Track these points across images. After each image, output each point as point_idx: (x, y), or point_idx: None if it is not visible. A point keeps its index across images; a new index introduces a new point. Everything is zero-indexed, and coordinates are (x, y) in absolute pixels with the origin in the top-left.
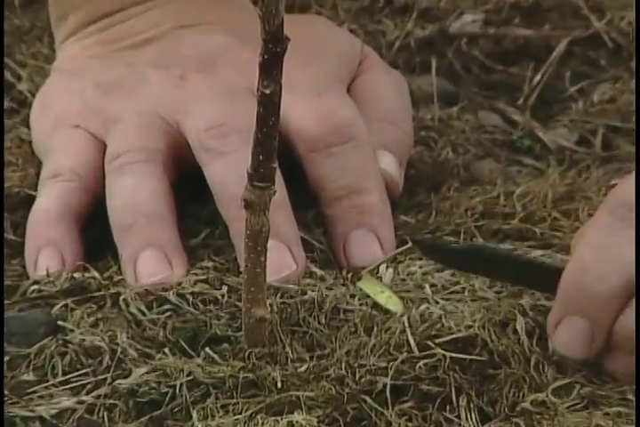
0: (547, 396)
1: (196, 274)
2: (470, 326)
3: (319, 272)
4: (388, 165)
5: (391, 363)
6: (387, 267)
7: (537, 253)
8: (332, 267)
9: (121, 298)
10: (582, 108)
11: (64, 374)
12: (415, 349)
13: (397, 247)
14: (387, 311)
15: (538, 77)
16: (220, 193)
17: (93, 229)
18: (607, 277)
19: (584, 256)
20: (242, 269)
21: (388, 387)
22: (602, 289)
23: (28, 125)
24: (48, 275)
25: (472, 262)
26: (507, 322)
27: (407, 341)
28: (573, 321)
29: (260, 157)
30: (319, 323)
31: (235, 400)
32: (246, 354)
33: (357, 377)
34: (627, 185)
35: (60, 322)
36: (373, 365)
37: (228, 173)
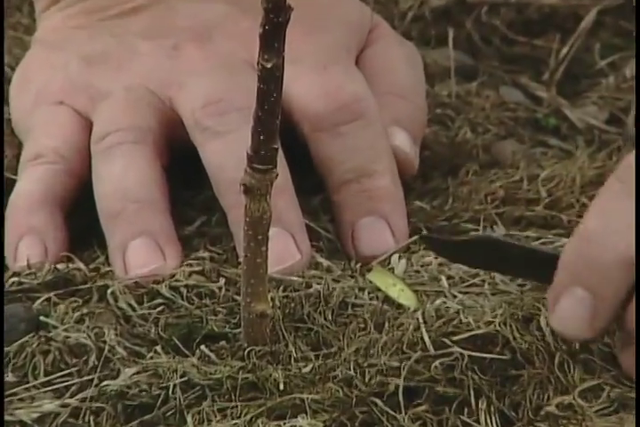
0: (573, 399)
1: (190, 265)
2: (490, 323)
3: (325, 263)
4: (401, 143)
5: (404, 362)
6: (399, 257)
7: (563, 241)
8: (340, 257)
9: (109, 291)
10: (613, 84)
11: (46, 374)
12: (430, 347)
13: (411, 236)
14: (399, 306)
15: (565, 50)
16: (218, 177)
17: (79, 217)
18: (613, 246)
19: (589, 224)
20: (241, 259)
21: (401, 389)
22: (607, 259)
23: (6, 102)
24: (29, 266)
25: (480, 256)
26: (530, 318)
27: (421, 338)
28: (574, 293)
29: (261, 137)
30: (325, 319)
31: (233, 403)
32: (246, 353)
33: (367, 378)
34: None
35: (42, 318)
36: (384, 364)
37: (226, 154)
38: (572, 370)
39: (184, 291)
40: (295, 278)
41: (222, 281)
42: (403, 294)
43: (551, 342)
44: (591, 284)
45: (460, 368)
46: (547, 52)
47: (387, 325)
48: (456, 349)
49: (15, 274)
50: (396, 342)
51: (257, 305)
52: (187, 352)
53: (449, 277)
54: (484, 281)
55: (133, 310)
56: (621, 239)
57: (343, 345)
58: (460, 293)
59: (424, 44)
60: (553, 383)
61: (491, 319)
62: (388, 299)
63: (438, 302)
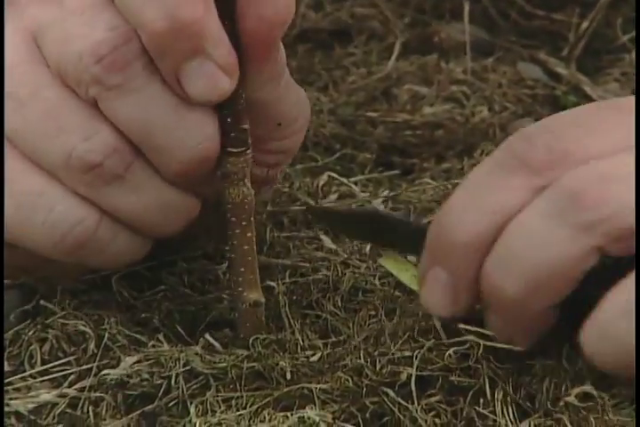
0: (595, 388)
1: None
2: None
3: (332, 246)
4: None
5: (416, 351)
6: None
7: None
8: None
9: (112, 278)
10: (636, 60)
11: (43, 363)
12: (443, 335)
13: None
14: (412, 292)
15: (585, 24)
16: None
17: None
18: (467, 222)
19: (452, 199)
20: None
21: (414, 378)
22: (460, 235)
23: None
24: None
25: (365, 229)
26: None
27: (434, 326)
28: (435, 274)
29: (228, 120)
30: (334, 305)
31: (238, 393)
32: (251, 341)
33: (378, 367)
34: (528, 128)
35: (42, 302)
36: (396, 353)
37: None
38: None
39: (186, 276)
40: (303, 264)
41: (226, 264)
42: (415, 280)
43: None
44: (448, 263)
45: (475, 357)
46: (566, 26)
47: (398, 311)
48: (470, 337)
49: None
50: (408, 330)
51: (249, 294)
52: (190, 340)
53: None
54: None
55: (134, 296)
56: (475, 215)
57: (353, 333)
58: None
59: (438, 17)
60: (569, 373)
61: None
62: (399, 285)
63: None
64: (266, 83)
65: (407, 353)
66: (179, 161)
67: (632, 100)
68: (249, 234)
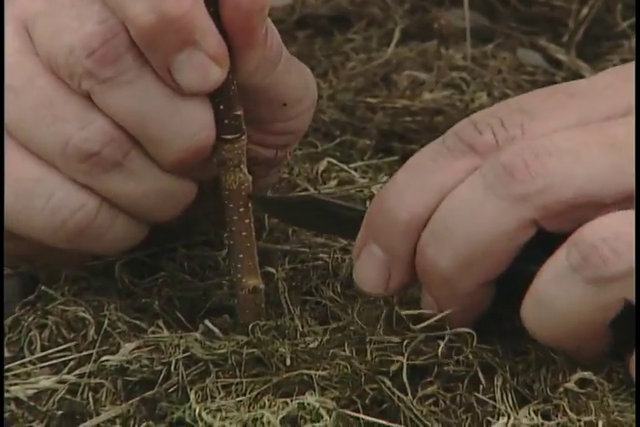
0: (593, 375)
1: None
2: None
3: None
4: None
5: (414, 338)
6: None
7: None
8: None
9: (114, 265)
10: (636, 46)
11: (43, 349)
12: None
13: None
14: None
15: (585, 11)
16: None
17: None
18: (407, 201)
19: (395, 178)
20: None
21: (405, 366)
22: (398, 213)
23: None
24: None
25: (310, 216)
26: None
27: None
28: (370, 250)
29: (221, 107)
30: (334, 292)
31: (238, 380)
32: (250, 327)
33: (377, 354)
34: (475, 115)
35: (43, 287)
36: (394, 340)
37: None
38: None
39: (186, 262)
40: (303, 249)
41: (227, 251)
42: None
43: None
44: (383, 240)
45: (471, 344)
46: (566, 12)
47: (396, 298)
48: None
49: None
50: (407, 317)
51: (248, 280)
52: (189, 327)
53: None
54: None
55: (134, 283)
56: (415, 195)
57: (352, 319)
58: None
59: (438, 4)
60: (566, 360)
61: None
62: None
63: None
64: (257, 70)
65: (405, 340)
66: (175, 151)
67: (582, 82)
68: (247, 220)
